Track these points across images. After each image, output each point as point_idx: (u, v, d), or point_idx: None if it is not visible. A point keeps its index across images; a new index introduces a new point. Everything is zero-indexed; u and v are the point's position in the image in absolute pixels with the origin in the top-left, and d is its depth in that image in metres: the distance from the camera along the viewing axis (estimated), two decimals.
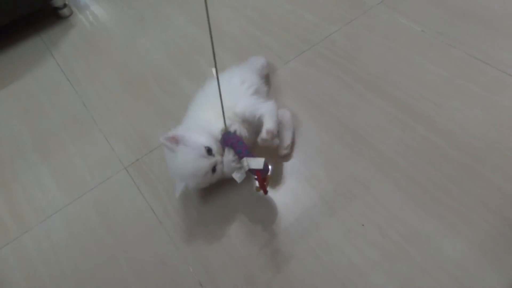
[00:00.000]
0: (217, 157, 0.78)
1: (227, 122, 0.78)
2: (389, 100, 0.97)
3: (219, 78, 0.72)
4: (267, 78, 1.07)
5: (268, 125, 0.78)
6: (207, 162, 0.76)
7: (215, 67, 0.70)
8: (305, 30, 1.20)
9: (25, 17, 1.37)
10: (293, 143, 0.91)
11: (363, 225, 0.77)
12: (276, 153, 0.89)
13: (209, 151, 0.77)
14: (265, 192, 0.77)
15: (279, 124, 0.86)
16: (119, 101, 1.11)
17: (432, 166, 0.84)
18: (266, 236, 0.79)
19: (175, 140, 0.78)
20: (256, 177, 0.75)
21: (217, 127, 0.79)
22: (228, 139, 0.77)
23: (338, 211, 0.80)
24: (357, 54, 1.11)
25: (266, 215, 0.82)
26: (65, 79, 1.20)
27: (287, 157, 0.90)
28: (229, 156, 0.76)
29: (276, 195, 0.85)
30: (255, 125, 0.83)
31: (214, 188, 0.88)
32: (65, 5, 1.42)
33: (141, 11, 1.40)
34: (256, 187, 0.78)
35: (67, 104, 1.13)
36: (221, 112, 0.76)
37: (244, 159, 0.72)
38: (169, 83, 1.13)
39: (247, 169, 0.73)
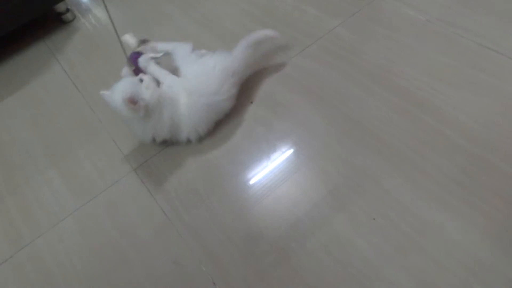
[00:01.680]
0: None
1: None
2: (396, 92, 0.96)
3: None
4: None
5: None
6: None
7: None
8: (308, 24, 1.19)
9: (29, 24, 1.37)
10: None
11: (374, 219, 0.77)
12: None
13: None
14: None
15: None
16: None
17: (443, 157, 0.83)
18: (276, 232, 0.79)
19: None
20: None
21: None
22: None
23: (349, 206, 0.80)
24: (362, 46, 1.10)
25: (277, 211, 0.82)
26: (71, 84, 1.21)
27: None
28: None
29: (284, 190, 0.85)
30: None
31: (223, 185, 0.88)
32: (68, 10, 1.42)
33: (142, 12, 1.40)
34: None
35: (74, 108, 1.13)
36: None
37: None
38: None
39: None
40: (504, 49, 0.98)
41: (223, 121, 1.00)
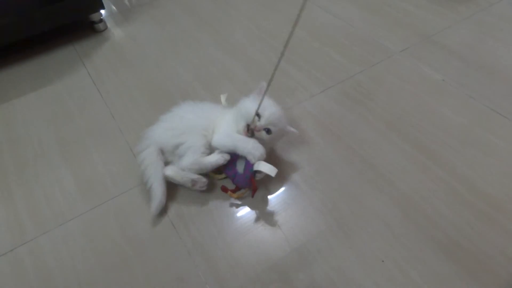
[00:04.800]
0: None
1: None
2: (410, 142, 1.00)
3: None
4: None
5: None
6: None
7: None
8: (331, 67, 1.25)
9: (62, 27, 1.42)
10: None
11: (383, 261, 0.78)
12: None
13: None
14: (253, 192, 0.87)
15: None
16: (146, 115, 1.14)
17: (451, 210, 0.86)
18: (285, 261, 0.79)
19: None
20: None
21: None
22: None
23: (359, 245, 0.81)
24: (380, 95, 1.15)
25: (287, 241, 0.83)
26: (95, 89, 1.24)
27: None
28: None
29: (295, 219, 0.86)
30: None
31: (233, 208, 0.89)
32: (101, 20, 1.48)
33: (173, 34, 1.46)
34: (234, 193, 0.89)
35: (95, 113, 1.15)
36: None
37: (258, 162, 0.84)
38: None
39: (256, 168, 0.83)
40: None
41: None
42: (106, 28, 1.52)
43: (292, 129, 0.91)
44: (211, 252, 0.82)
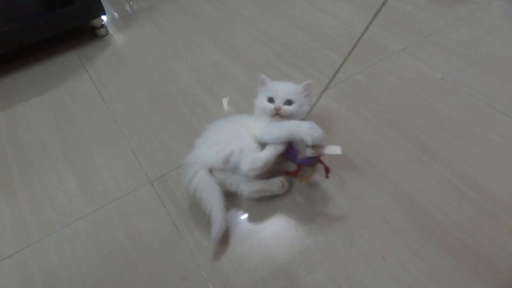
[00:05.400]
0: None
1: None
2: (410, 140, 1.01)
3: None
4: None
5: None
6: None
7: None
8: (330, 67, 1.26)
9: (64, 33, 1.44)
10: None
11: (384, 258, 0.79)
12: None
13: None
14: (327, 174, 0.85)
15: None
16: (148, 118, 1.15)
17: (452, 207, 0.86)
18: (287, 258, 0.80)
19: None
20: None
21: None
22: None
23: (359, 242, 0.82)
24: (379, 94, 1.16)
25: (287, 239, 0.84)
26: (98, 94, 1.25)
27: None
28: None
29: (297, 221, 0.87)
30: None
31: (235, 207, 0.90)
32: (102, 26, 1.50)
33: (174, 38, 1.48)
34: (301, 177, 0.88)
35: (98, 117, 1.17)
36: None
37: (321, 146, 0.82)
38: (197, 105, 1.18)
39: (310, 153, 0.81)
40: (511, 112, 1.05)
41: None
42: (107, 33, 1.54)
43: (307, 81, 0.94)
44: (214, 252, 0.83)
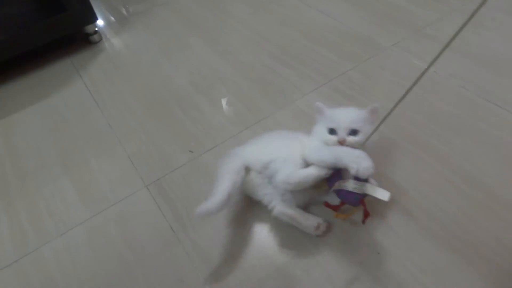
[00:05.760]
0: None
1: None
2: (402, 134, 1.01)
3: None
4: None
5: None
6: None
7: None
8: (323, 65, 1.26)
9: (58, 41, 1.45)
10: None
11: (378, 253, 0.79)
12: None
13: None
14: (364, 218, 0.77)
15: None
16: (143, 122, 1.16)
17: (446, 200, 0.86)
18: (281, 257, 0.81)
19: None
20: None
21: None
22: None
23: (354, 238, 0.82)
24: (372, 90, 1.16)
25: (283, 239, 0.84)
26: (92, 100, 1.26)
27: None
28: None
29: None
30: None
31: (233, 212, 0.90)
32: (95, 32, 1.51)
33: (167, 41, 1.48)
34: (340, 214, 0.80)
35: (93, 123, 1.18)
36: None
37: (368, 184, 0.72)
38: (191, 107, 1.18)
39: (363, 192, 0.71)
40: (506, 104, 1.04)
41: (236, 147, 1.04)
42: (101, 39, 1.54)
43: (373, 105, 0.82)
44: (210, 254, 0.83)
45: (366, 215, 0.76)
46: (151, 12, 1.66)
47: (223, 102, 1.19)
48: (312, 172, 0.75)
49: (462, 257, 0.77)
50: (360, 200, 0.72)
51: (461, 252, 0.77)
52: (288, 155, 0.80)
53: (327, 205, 0.81)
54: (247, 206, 0.90)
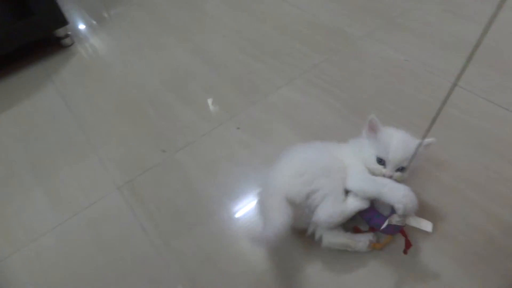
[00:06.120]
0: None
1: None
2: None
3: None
4: None
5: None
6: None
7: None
8: (295, 58, 1.26)
9: (29, 45, 1.42)
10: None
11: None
12: None
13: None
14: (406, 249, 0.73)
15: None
16: (115, 124, 1.14)
17: (418, 186, 0.85)
18: (257, 256, 0.80)
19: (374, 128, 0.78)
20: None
21: None
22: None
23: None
24: (345, 81, 1.16)
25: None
26: (63, 104, 1.24)
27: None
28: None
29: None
30: None
31: (207, 208, 0.89)
32: (67, 35, 1.48)
33: (139, 41, 1.47)
34: (373, 243, 0.76)
35: (64, 128, 1.16)
36: None
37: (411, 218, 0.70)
38: (163, 107, 1.17)
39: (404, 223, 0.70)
40: (474, 88, 1.05)
41: (210, 146, 1.03)
42: (73, 42, 1.52)
43: (428, 140, 0.73)
44: (183, 255, 0.82)
45: (408, 246, 0.72)
46: (124, 14, 1.64)
47: (196, 99, 1.18)
48: (353, 209, 0.72)
49: (429, 239, 0.77)
50: (400, 231, 0.72)
51: (430, 237, 0.77)
52: (328, 186, 0.72)
53: (358, 230, 0.78)
54: (219, 201, 0.90)
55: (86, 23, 1.65)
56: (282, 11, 1.49)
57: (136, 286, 0.79)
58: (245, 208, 0.89)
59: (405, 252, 0.73)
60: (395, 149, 0.73)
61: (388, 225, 0.70)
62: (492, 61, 1.12)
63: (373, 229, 0.77)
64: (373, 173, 0.75)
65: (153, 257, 0.83)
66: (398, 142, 0.74)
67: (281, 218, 0.67)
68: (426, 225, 0.68)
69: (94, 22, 1.64)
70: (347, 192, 0.75)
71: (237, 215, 0.88)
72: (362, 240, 0.75)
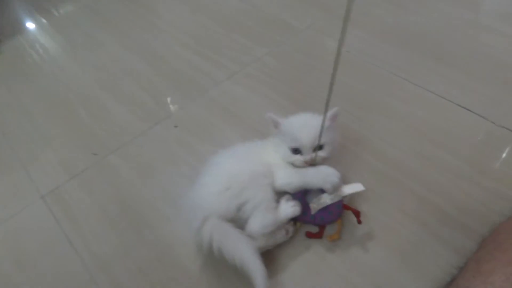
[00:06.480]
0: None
1: None
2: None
3: None
4: None
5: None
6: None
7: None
8: (237, 51, 1.22)
9: None
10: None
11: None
12: None
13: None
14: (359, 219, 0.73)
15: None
16: (42, 127, 1.06)
17: (356, 177, 0.84)
18: (196, 264, 0.75)
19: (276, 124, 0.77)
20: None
21: None
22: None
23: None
24: (288, 74, 1.13)
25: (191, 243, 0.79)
26: None
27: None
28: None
29: None
30: None
31: (138, 212, 0.84)
32: None
33: (73, 39, 1.37)
34: (329, 235, 0.73)
35: None
36: None
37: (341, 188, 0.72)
38: (96, 107, 1.09)
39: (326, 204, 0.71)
40: (414, 78, 1.05)
41: (145, 146, 0.97)
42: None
43: (334, 110, 0.75)
44: (112, 264, 0.76)
45: (358, 214, 0.72)
46: (58, 12, 1.53)
47: (132, 98, 1.11)
48: (287, 217, 0.71)
49: (367, 229, 0.75)
50: (342, 207, 0.72)
51: (363, 228, 0.76)
52: (258, 196, 0.69)
53: (310, 235, 0.75)
54: (152, 205, 0.84)
55: (14, 21, 1.52)
56: (223, 3, 1.45)
57: None
58: (182, 212, 0.84)
59: (359, 222, 0.72)
60: (303, 133, 0.72)
61: (331, 210, 0.71)
62: (429, 50, 1.13)
63: (323, 226, 0.74)
64: (296, 165, 0.74)
65: (78, 271, 0.76)
66: (301, 125, 0.74)
67: (247, 249, 0.65)
68: (359, 186, 0.72)
69: (25, 20, 1.52)
70: (279, 196, 0.73)
71: (173, 220, 0.82)
72: (278, 233, 0.72)
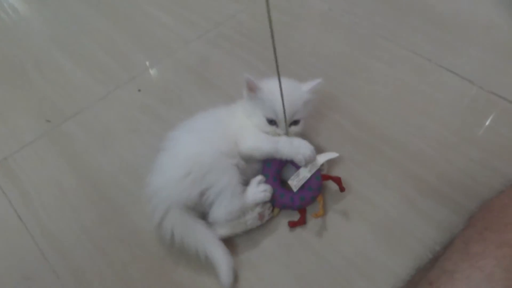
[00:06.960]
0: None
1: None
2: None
3: None
4: None
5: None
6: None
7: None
8: (209, 8, 1.11)
9: None
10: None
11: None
12: None
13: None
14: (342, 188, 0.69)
15: None
16: None
17: (334, 146, 0.78)
18: (159, 246, 0.69)
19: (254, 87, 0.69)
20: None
21: None
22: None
23: None
24: (265, 35, 1.03)
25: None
26: None
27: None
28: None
29: None
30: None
31: (94, 181, 0.76)
32: None
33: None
34: (314, 213, 0.67)
35: None
36: None
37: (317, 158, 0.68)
38: (51, 69, 0.99)
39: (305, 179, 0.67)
40: (399, 40, 0.97)
41: (105, 112, 0.88)
42: None
43: (317, 82, 0.70)
44: (66, 241, 0.69)
45: (338, 180, 0.68)
46: None
47: (91, 59, 1.00)
48: (254, 202, 0.65)
49: (347, 204, 0.70)
50: (320, 182, 0.68)
51: (347, 198, 0.71)
52: (222, 181, 0.62)
53: (293, 224, 0.68)
54: (108, 173, 0.77)
55: None
56: None
57: (5, 284, 0.65)
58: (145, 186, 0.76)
59: (341, 189, 0.69)
60: (282, 105, 0.65)
61: (310, 185, 0.67)
62: (416, 10, 1.05)
63: (303, 210, 0.68)
64: (268, 133, 0.69)
65: (29, 249, 0.69)
66: (287, 97, 0.65)
67: (211, 240, 0.63)
68: (333, 154, 0.70)
69: None
70: (247, 182, 0.66)
71: (135, 194, 0.75)
72: (250, 218, 0.65)
